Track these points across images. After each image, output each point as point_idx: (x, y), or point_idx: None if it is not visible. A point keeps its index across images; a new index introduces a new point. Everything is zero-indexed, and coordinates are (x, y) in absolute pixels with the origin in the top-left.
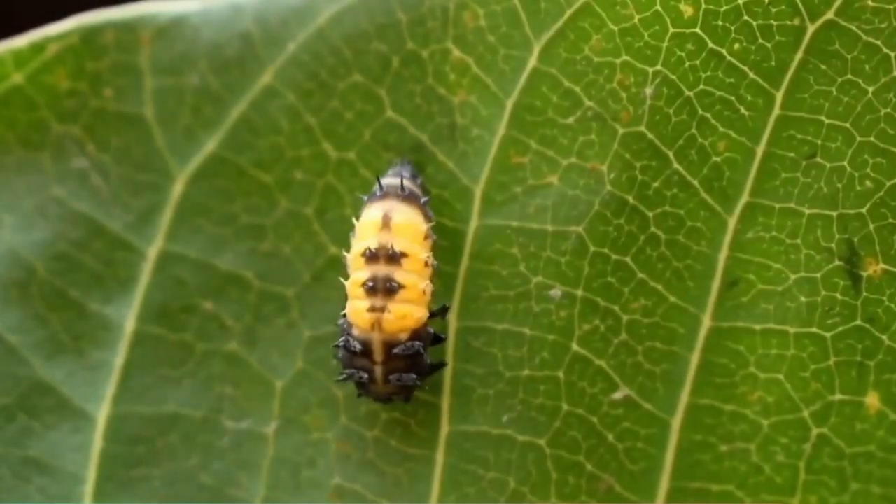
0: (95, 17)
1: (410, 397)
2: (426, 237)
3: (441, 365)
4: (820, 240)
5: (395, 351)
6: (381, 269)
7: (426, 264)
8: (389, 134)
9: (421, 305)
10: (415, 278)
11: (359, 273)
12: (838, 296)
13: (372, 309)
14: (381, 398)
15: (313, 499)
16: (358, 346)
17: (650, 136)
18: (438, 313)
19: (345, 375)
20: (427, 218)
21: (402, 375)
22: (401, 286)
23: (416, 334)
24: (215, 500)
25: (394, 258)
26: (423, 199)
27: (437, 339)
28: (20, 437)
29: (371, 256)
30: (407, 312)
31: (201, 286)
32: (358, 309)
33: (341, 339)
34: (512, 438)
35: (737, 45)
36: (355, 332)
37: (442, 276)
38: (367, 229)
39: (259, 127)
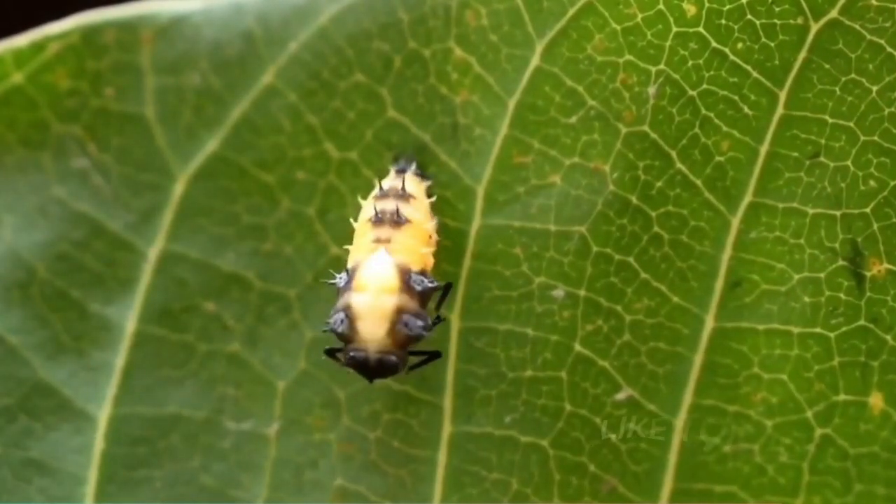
0: (96, 17)
1: (403, 364)
2: (432, 204)
3: (436, 354)
4: (824, 240)
5: None
6: (390, 204)
7: (432, 216)
8: (391, 134)
9: (426, 246)
10: (421, 218)
11: (367, 211)
12: (842, 296)
13: (377, 240)
14: (371, 360)
15: (316, 500)
16: None
17: (653, 135)
18: (440, 290)
19: (331, 324)
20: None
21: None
22: (407, 220)
23: (422, 275)
24: (217, 501)
25: (403, 196)
26: (426, 182)
27: (437, 320)
28: (21, 438)
29: (381, 195)
30: (412, 245)
31: (203, 286)
32: (362, 242)
33: (338, 277)
34: (515, 439)
35: (740, 45)
36: (351, 265)
37: (444, 277)
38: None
39: (261, 127)
